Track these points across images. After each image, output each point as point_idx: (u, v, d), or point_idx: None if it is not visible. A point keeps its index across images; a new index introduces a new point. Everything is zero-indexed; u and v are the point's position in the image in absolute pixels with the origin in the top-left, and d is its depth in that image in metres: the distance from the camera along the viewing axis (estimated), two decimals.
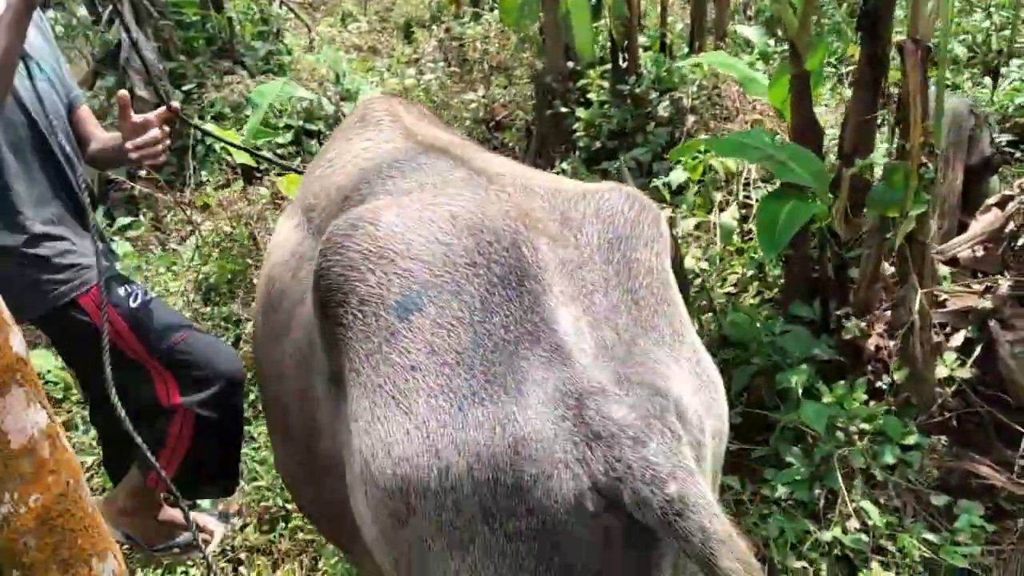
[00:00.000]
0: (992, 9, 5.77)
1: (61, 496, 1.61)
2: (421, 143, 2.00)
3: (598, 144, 5.53)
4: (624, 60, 5.55)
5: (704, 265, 4.13)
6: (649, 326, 1.46)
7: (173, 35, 6.59)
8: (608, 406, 1.27)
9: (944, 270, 3.35)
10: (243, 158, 4.36)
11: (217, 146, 5.36)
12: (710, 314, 3.82)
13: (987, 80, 5.58)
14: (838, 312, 3.27)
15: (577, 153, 5.52)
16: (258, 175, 4.97)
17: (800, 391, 3.20)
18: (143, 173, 4.98)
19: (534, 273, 1.41)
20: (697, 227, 4.43)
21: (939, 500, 3.04)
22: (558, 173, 5.49)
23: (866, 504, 2.90)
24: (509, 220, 1.48)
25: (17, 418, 1.45)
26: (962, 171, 3.67)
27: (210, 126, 4.90)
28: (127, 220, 4.86)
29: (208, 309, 4.17)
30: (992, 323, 3.27)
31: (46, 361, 3.69)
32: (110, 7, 6.25)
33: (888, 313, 3.33)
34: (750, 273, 4.05)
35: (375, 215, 1.53)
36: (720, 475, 1.61)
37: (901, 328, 3.05)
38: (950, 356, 3.31)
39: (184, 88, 6.26)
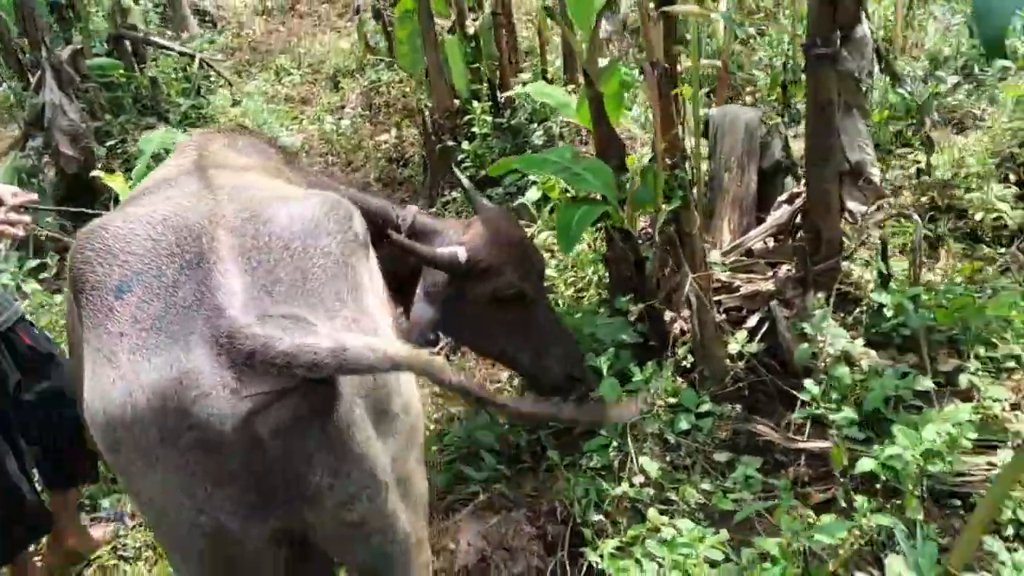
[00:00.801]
0: None
1: None
2: (196, 166, 2.46)
3: (483, 173, 6.03)
4: (501, 96, 6.08)
5: (553, 273, 4.61)
6: (311, 294, 1.90)
7: (99, 96, 7.11)
8: (250, 331, 1.71)
9: (716, 256, 3.83)
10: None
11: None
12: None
13: None
14: (624, 298, 3.74)
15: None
16: None
17: (607, 371, 3.65)
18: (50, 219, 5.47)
19: (210, 257, 1.86)
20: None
21: (721, 456, 3.48)
22: (447, 202, 6.01)
23: (646, 462, 3.34)
24: (201, 219, 1.95)
25: None
26: (756, 173, 4.17)
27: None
28: (35, 263, 5.34)
29: None
30: (773, 303, 3.75)
31: None
32: (39, 74, 6.76)
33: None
34: (593, 277, 4.53)
35: (107, 221, 2.01)
36: (380, 393, 2.04)
37: (680, 310, 3.52)
38: (742, 334, 3.79)
39: (108, 144, 6.78)
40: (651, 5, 3.30)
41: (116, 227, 1.99)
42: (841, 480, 2.95)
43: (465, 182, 3.46)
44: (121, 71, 7.36)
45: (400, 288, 3.24)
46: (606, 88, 3.80)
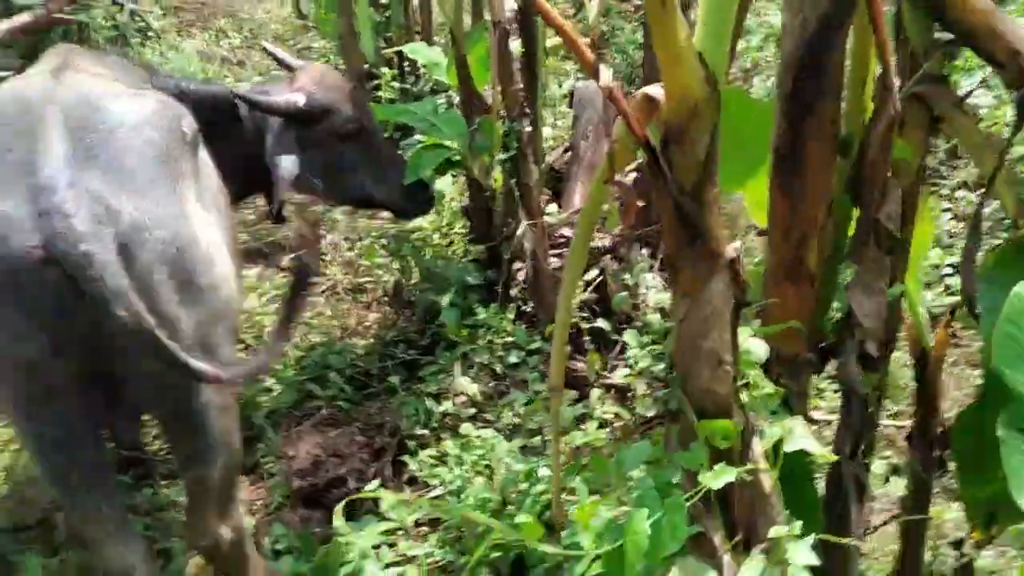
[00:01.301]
0: None
1: None
2: (53, 64, 2.75)
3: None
4: (408, 64, 6.43)
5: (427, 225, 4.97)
6: (126, 174, 2.22)
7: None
8: (54, 197, 2.04)
9: (554, 209, 4.21)
10: None
11: None
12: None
13: None
14: (477, 245, 4.11)
15: None
16: None
17: (447, 305, 4.02)
18: None
19: (39, 128, 2.17)
20: None
21: (540, 387, 3.86)
22: None
23: (466, 383, 3.72)
24: (39, 99, 2.26)
25: None
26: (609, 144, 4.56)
27: None
28: None
29: None
30: (606, 257, 4.14)
31: None
32: None
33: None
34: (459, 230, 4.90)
35: None
36: (185, 265, 2.34)
37: (517, 254, 3.90)
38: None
39: None
40: None
41: None
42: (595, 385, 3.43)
43: (272, 49, 3.78)
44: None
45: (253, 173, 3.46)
46: (472, 51, 4.14)
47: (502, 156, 3.69)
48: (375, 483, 3.50)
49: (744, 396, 1.36)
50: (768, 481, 1.33)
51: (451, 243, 4.96)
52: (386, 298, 4.94)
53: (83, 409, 2.34)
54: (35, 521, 3.29)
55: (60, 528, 3.24)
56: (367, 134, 3.63)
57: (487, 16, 3.88)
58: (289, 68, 3.64)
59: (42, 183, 2.07)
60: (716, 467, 1.29)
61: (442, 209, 5.15)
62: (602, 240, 4.30)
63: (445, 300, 4.02)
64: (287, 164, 3.27)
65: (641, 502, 1.31)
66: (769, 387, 1.38)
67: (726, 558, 1.36)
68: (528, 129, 3.74)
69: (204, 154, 2.73)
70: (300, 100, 3.34)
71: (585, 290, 4.15)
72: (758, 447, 1.34)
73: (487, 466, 3.32)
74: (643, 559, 1.26)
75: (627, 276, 3.93)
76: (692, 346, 1.34)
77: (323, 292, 5.23)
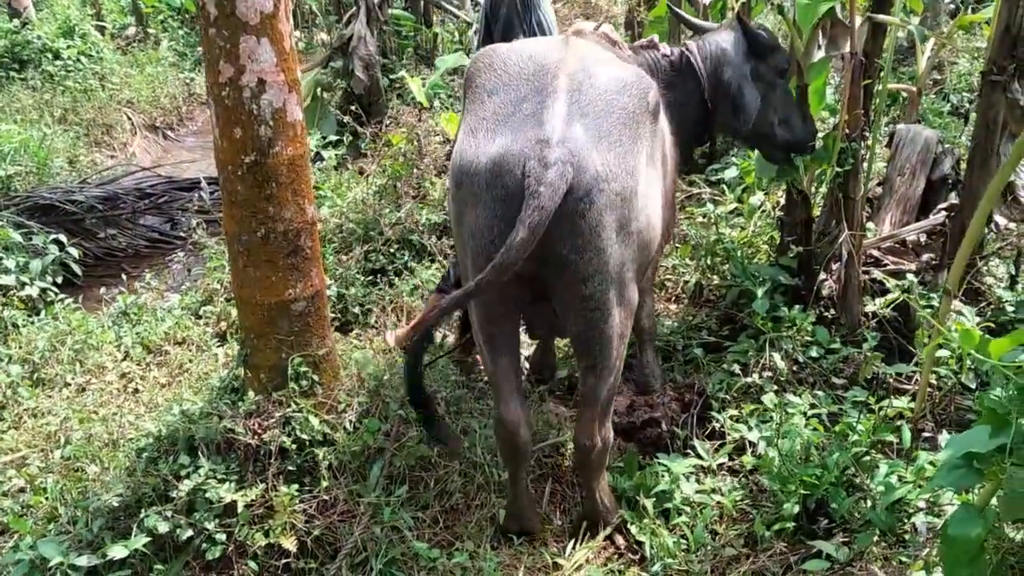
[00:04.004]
0: None
1: None
2: (566, 35, 3.45)
3: None
4: None
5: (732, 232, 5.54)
6: (605, 130, 2.91)
7: (391, 40, 8.64)
8: (546, 150, 2.75)
9: (872, 225, 4.64)
10: (421, 97, 6.15)
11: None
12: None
13: None
14: (789, 253, 4.61)
15: None
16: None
17: (761, 296, 4.55)
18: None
19: (551, 89, 2.92)
20: (732, 212, 5.82)
21: (839, 380, 4.30)
22: None
23: (778, 358, 4.22)
24: (552, 63, 3.01)
25: None
26: (924, 182, 4.96)
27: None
28: (334, 137, 6.82)
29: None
30: (911, 277, 4.53)
31: None
32: (351, 11, 8.36)
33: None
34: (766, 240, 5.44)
35: (497, 47, 3.16)
36: (625, 213, 2.98)
37: (832, 267, 4.39)
38: (880, 300, 4.59)
39: (391, 77, 8.29)
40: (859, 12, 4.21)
41: (501, 52, 3.13)
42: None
43: (682, 13, 4.48)
44: (412, 24, 8.89)
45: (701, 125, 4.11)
46: (813, 82, 4.69)
47: (837, 170, 4.20)
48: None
49: None
50: None
51: (756, 252, 5.49)
52: (684, 296, 5.54)
53: (517, 300, 3.08)
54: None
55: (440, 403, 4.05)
56: (786, 77, 4.16)
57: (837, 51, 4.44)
58: (698, 29, 4.29)
59: (543, 136, 2.79)
60: None
61: (748, 223, 5.70)
62: (909, 265, 4.71)
63: (759, 292, 4.56)
64: (754, 93, 3.92)
65: None
66: None
67: None
68: (863, 151, 4.24)
69: (664, 122, 3.40)
70: (764, 32, 3.95)
71: (885, 306, 4.56)
72: None
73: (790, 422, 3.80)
74: None
75: (934, 295, 4.30)
76: None
77: None
